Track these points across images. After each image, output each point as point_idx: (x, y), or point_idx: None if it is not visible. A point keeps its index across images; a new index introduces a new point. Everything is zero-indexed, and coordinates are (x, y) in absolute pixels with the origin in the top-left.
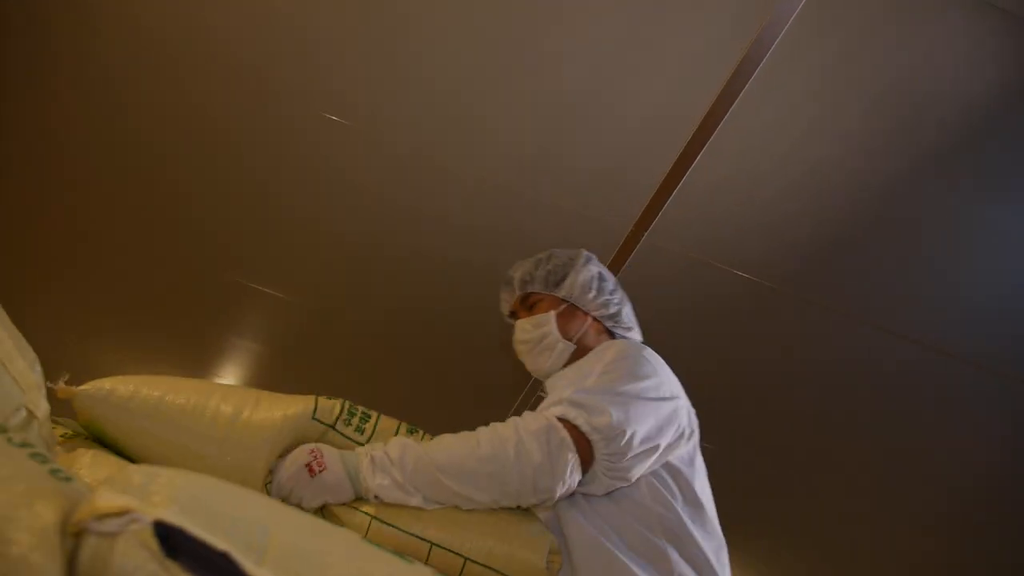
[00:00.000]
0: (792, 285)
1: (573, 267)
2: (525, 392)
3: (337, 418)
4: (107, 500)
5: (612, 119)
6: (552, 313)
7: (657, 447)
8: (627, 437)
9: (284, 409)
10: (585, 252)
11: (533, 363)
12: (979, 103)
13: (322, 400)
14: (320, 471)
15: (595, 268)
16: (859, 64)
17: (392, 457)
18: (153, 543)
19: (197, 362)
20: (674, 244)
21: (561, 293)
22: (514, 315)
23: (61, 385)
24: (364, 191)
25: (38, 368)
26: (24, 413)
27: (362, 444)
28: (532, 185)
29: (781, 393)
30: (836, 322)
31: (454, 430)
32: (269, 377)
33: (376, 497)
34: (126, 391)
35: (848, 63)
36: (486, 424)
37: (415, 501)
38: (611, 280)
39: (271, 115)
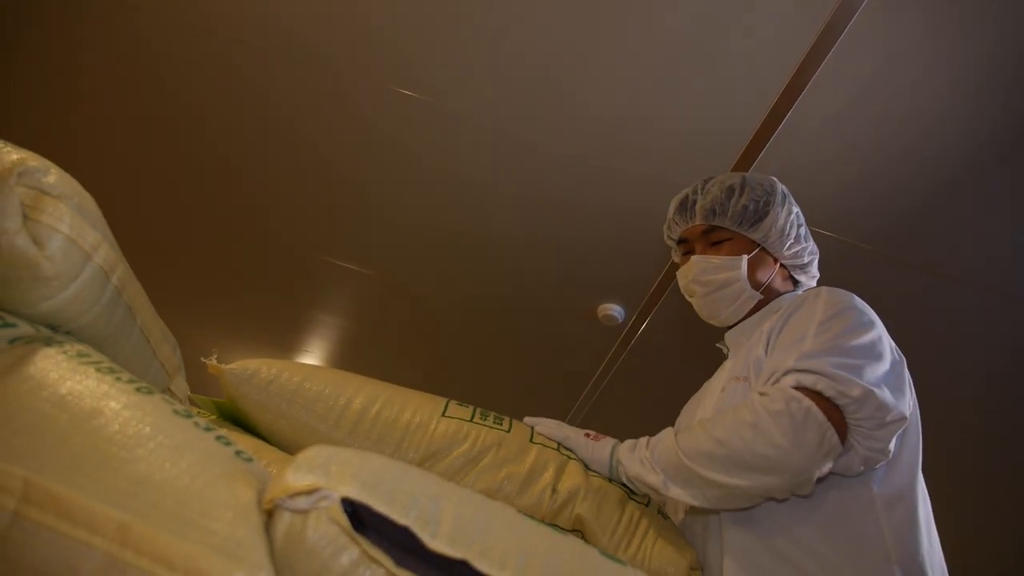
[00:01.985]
0: (878, 242)
1: (771, 206)
2: (602, 368)
3: (472, 415)
4: (298, 479)
5: (699, 82)
6: (744, 258)
7: (904, 416)
8: (880, 399)
9: (412, 412)
10: (780, 186)
11: (709, 308)
12: None
13: (453, 404)
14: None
15: (793, 207)
16: (963, 15)
17: (642, 443)
18: (343, 518)
19: (282, 336)
20: None
21: (756, 236)
22: (685, 243)
23: (213, 362)
24: (438, 166)
25: (178, 352)
26: (168, 395)
27: (507, 432)
28: (615, 155)
29: None
30: (920, 280)
31: (534, 414)
32: (353, 352)
33: (626, 475)
34: (269, 374)
35: (953, 13)
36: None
37: (653, 479)
38: (804, 223)
39: (341, 91)
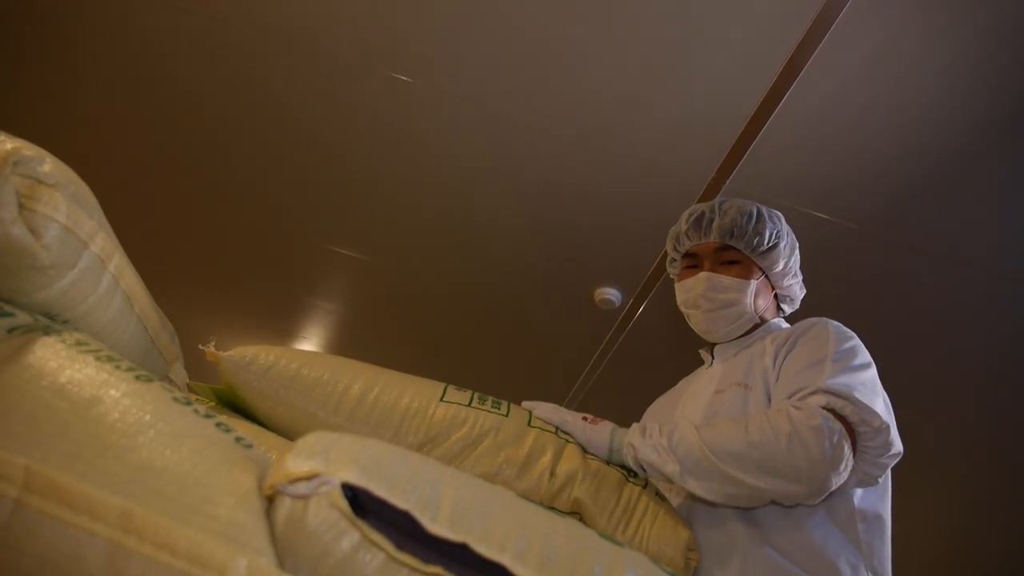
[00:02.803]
0: (875, 225)
1: (782, 239)
2: (599, 351)
3: (470, 400)
4: (298, 465)
5: (696, 66)
6: (753, 282)
7: (900, 453)
8: (892, 433)
9: (411, 397)
10: (784, 221)
11: (709, 323)
12: None
13: (452, 389)
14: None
15: (796, 246)
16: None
17: (654, 429)
18: (343, 503)
19: (279, 323)
20: (756, 190)
21: (763, 264)
22: (692, 257)
23: (210, 349)
24: (433, 151)
25: (176, 339)
26: (167, 383)
27: (505, 416)
28: (613, 139)
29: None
30: (922, 261)
31: (531, 398)
32: (351, 338)
33: (635, 459)
34: (267, 361)
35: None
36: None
37: (671, 468)
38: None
39: (335, 78)
